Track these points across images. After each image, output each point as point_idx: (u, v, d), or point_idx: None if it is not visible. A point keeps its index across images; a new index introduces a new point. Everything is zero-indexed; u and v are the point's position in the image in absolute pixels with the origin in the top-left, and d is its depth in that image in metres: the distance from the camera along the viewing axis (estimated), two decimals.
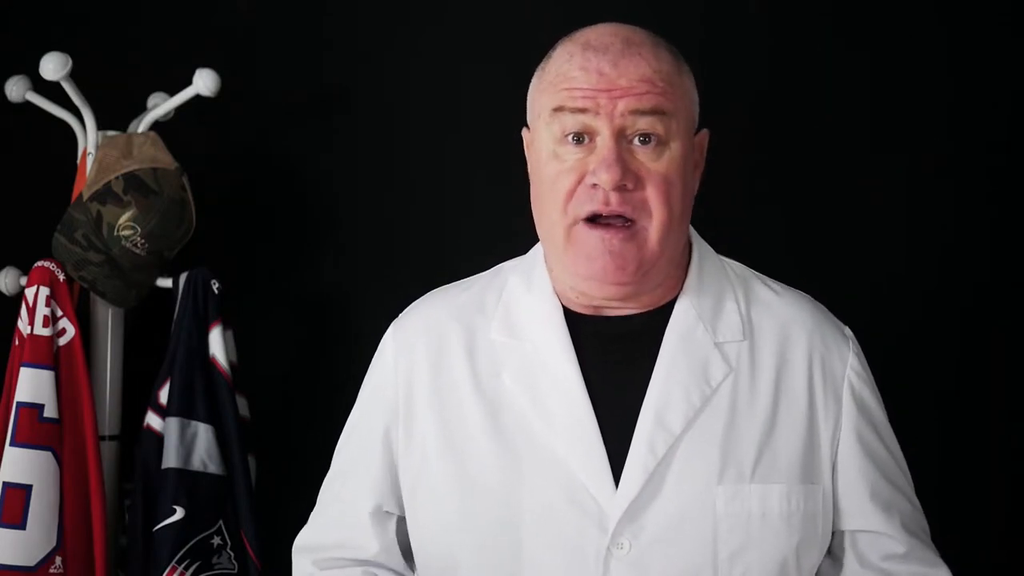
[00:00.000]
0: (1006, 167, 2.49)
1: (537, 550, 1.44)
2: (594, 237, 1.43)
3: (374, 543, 1.56)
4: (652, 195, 1.43)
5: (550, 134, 1.46)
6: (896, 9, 2.48)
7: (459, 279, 1.65)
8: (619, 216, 1.43)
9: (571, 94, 1.43)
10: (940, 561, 1.53)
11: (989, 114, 2.48)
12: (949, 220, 2.48)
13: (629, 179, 1.42)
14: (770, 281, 1.59)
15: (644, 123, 1.42)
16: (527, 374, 1.49)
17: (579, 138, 1.44)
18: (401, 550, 1.57)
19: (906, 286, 2.46)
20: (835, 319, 1.58)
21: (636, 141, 1.43)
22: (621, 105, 1.42)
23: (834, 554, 1.54)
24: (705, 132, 1.54)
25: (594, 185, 1.42)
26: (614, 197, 1.42)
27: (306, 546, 1.61)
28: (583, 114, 1.43)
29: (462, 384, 1.51)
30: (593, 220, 1.43)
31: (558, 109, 1.44)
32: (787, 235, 2.47)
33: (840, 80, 2.49)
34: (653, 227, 1.44)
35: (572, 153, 1.44)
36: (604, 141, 1.42)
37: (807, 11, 2.49)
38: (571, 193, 1.44)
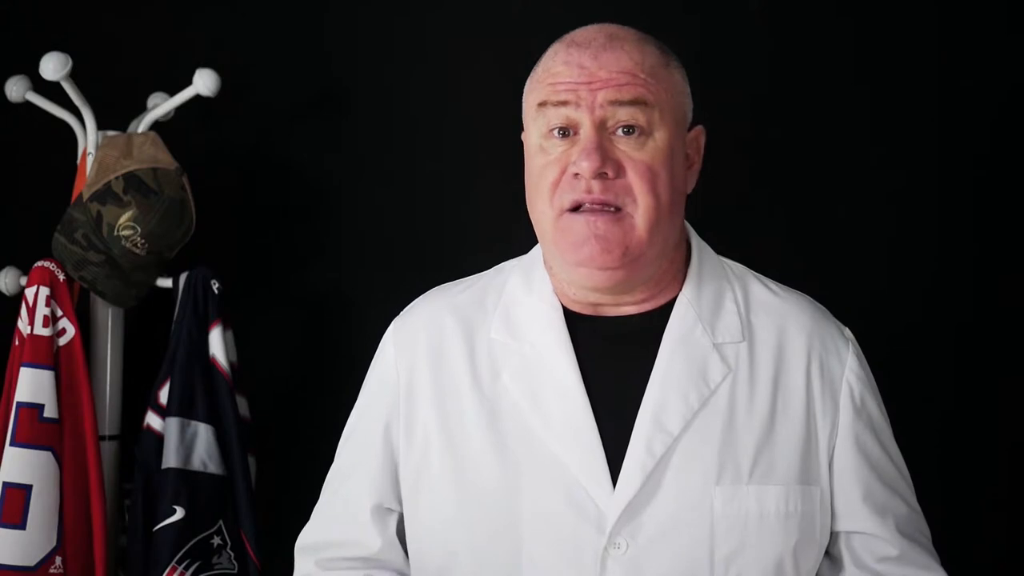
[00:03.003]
0: (1007, 166, 2.49)
1: (535, 550, 1.44)
2: (579, 222, 1.44)
3: (376, 540, 1.56)
4: (635, 182, 1.44)
5: (536, 129, 1.48)
6: (896, 9, 2.48)
7: (459, 279, 1.66)
8: (603, 203, 1.44)
9: (554, 88, 1.46)
10: (937, 565, 1.53)
11: (989, 113, 2.48)
12: (949, 219, 2.48)
13: (609, 167, 1.43)
14: (769, 282, 1.59)
15: (624, 113, 1.44)
16: (526, 375, 1.50)
17: (564, 132, 1.46)
18: (403, 546, 1.57)
19: (905, 286, 2.46)
20: (835, 320, 1.58)
21: (619, 132, 1.45)
22: (601, 96, 1.44)
23: (832, 556, 1.54)
24: (700, 129, 1.55)
25: (576, 175, 1.44)
26: (596, 185, 1.43)
27: (307, 545, 1.61)
28: (565, 107, 1.45)
29: (462, 384, 1.52)
30: (577, 209, 1.45)
31: (542, 104, 1.47)
32: (787, 235, 2.47)
33: (840, 80, 2.49)
34: (639, 213, 1.44)
35: (557, 146, 1.46)
36: (585, 131, 1.44)
37: (807, 11, 2.49)
38: (556, 184, 1.46)
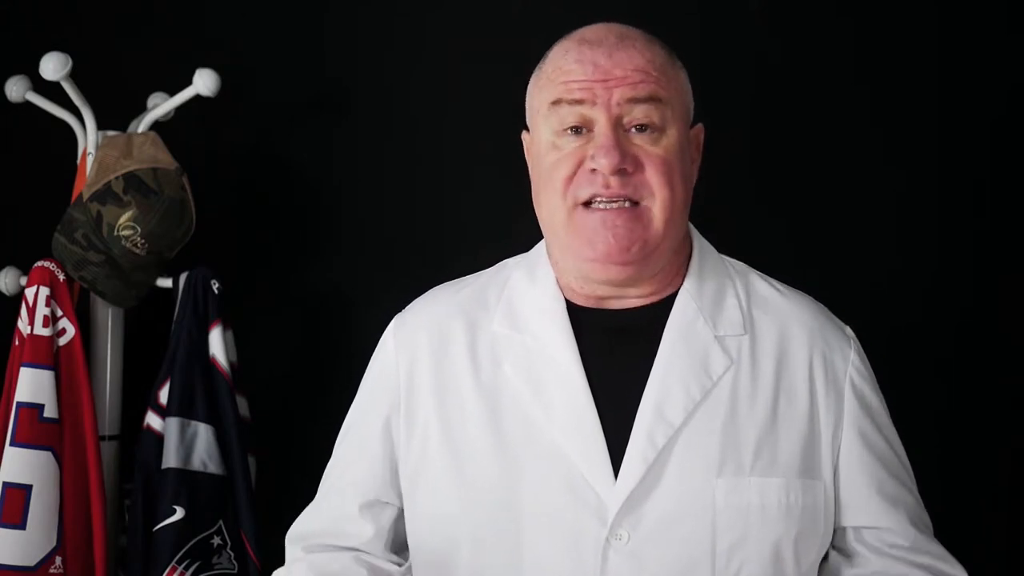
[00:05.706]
0: (1007, 166, 2.49)
1: (536, 541, 1.45)
2: (595, 219, 1.45)
3: (366, 531, 1.56)
4: (652, 176, 1.45)
5: (549, 127, 1.48)
6: (896, 9, 2.48)
7: (459, 279, 1.66)
8: (621, 197, 1.45)
9: (568, 87, 1.46)
10: (952, 557, 1.53)
11: (989, 113, 2.48)
12: (949, 219, 2.48)
13: (628, 163, 1.44)
14: (771, 279, 1.60)
15: (640, 111, 1.45)
16: (528, 365, 1.50)
17: (577, 130, 1.46)
18: (395, 541, 1.57)
19: (905, 285, 2.46)
20: (836, 319, 1.59)
21: (633, 129, 1.46)
22: (617, 94, 1.45)
23: (844, 551, 1.54)
24: (700, 127, 1.56)
25: (593, 170, 1.45)
26: (614, 180, 1.44)
27: (297, 535, 1.62)
28: (580, 105, 1.45)
29: (463, 377, 1.52)
30: (591, 204, 1.45)
31: (556, 102, 1.47)
32: (787, 235, 2.47)
33: (840, 80, 2.49)
34: (657, 206, 1.46)
35: (571, 142, 1.47)
36: (602, 128, 1.45)
37: (807, 11, 2.49)
38: (570, 179, 1.46)
